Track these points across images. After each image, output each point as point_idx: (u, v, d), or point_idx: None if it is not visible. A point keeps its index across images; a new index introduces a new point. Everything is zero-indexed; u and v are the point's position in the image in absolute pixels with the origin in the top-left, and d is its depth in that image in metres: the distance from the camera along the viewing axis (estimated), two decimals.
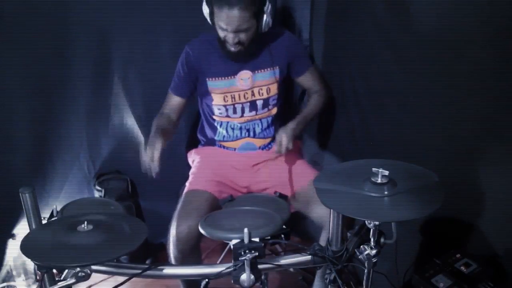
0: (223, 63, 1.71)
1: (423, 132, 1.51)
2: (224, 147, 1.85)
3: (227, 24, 1.55)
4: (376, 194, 1.04)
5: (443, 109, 1.41)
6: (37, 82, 1.83)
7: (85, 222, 1.07)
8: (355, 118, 1.92)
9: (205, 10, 1.63)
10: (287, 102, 1.99)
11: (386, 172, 1.05)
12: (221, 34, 1.61)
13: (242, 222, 1.20)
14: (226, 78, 1.72)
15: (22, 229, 1.88)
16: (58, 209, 1.34)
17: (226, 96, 1.74)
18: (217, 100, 1.76)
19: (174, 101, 1.79)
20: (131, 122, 2.11)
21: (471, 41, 1.26)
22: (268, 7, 1.60)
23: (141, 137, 2.16)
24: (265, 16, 1.60)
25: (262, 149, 1.84)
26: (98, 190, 2.09)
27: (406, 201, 1.04)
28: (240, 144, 1.83)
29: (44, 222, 1.19)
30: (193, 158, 1.89)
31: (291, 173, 1.74)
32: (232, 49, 1.62)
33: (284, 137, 1.60)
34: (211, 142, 1.89)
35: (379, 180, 1.05)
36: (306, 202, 1.63)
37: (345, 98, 1.96)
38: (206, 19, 1.66)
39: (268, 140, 1.84)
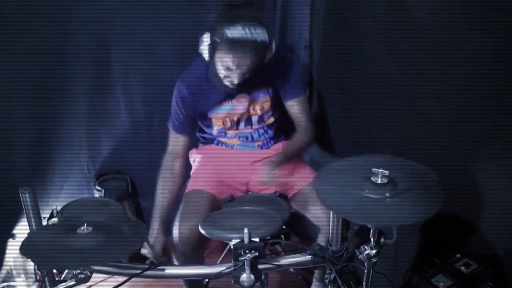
0: (220, 94, 1.67)
1: (423, 132, 1.51)
2: (222, 143, 1.85)
3: (235, 67, 1.49)
4: (376, 196, 1.04)
5: (443, 109, 1.41)
6: (37, 82, 1.83)
7: (85, 224, 1.07)
8: (355, 118, 1.92)
9: (204, 49, 1.54)
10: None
11: (387, 172, 1.04)
12: (223, 73, 1.54)
13: (242, 222, 1.20)
14: (226, 102, 1.70)
15: (22, 229, 1.88)
16: (58, 209, 1.35)
17: (226, 120, 1.74)
18: (216, 124, 1.77)
19: (180, 140, 1.75)
20: (131, 122, 2.11)
21: (471, 41, 1.26)
22: (271, 41, 1.55)
23: (141, 137, 2.16)
24: (268, 52, 1.55)
25: (261, 147, 1.84)
26: (98, 190, 2.09)
27: (407, 203, 1.03)
28: (238, 142, 1.83)
29: (44, 222, 1.19)
30: (194, 157, 1.89)
31: (290, 173, 1.74)
32: (233, 84, 1.56)
33: (268, 169, 1.60)
34: (210, 140, 1.89)
35: (379, 181, 1.05)
36: (304, 203, 1.63)
37: (345, 98, 1.96)
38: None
39: (266, 140, 1.84)
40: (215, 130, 1.80)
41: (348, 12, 1.85)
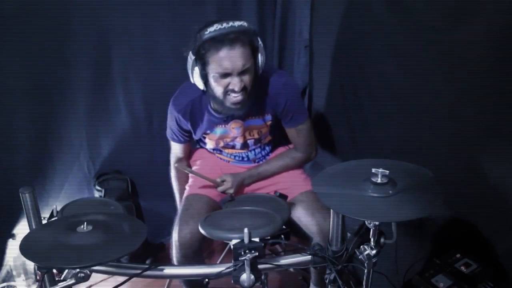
0: (215, 120, 1.64)
1: (423, 132, 1.51)
2: (218, 156, 1.85)
3: (233, 65, 1.40)
4: (377, 194, 1.04)
5: (443, 109, 1.41)
6: (37, 82, 1.83)
7: (85, 223, 1.07)
8: (355, 118, 1.92)
9: (195, 70, 1.47)
10: None
11: (387, 172, 1.05)
12: (221, 86, 1.45)
13: (242, 222, 1.19)
14: (220, 126, 1.67)
15: (22, 229, 1.88)
16: (58, 209, 1.34)
17: (219, 142, 1.72)
18: (209, 143, 1.76)
19: (180, 147, 1.81)
20: (131, 122, 2.11)
21: (471, 41, 1.26)
22: (261, 44, 1.49)
23: (141, 137, 2.16)
24: (259, 55, 1.48)
25: (257, 162, 1.83)
26: (98, 190, 2.09)
27: (407, 201, 1.04)
28: (233, 160, 1.83)
29: (44, 222, 1.19)
30: (193, 159, 1.90)
31: (286, 181, 1.73)
32: (235, 99, 1.46)
33: (229, 183, 1.67)
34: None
35: (379, 180, 1.05)
36: (295, 212, 1.63)
37: (345, 98, 1.96)
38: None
39: (262, 156, 1.83)
40: (208, 147, 1.80)
41: (349, 12, 1.85)
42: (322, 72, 2.13)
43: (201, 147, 1.89)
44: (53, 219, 1.28)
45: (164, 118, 1.77)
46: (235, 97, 1.46)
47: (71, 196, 2.02)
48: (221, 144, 1.74)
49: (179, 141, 1.78)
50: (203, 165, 1.83)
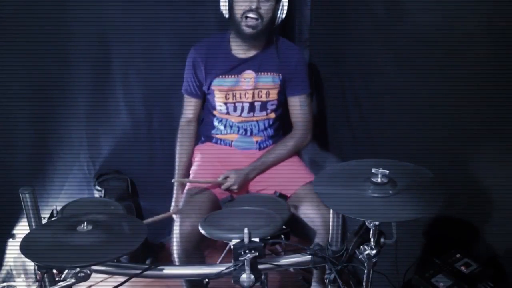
0: (229, 62, 1.73)
1: (423, 132, 1.51)
2: (220, 140, 1.86)
3: None
4: (377, 194, 1.04)
5: (443, 109, 1.41)
6: (37, 82, 1.83)
7: (85, 222, 1.07)
8: (355, 118, 1.92)
9: None
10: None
11: (387, 172, 1.05)
12: (242, 6, 1.62)
13: (242, 222, 1.20)
14: (231, 76, 1.74)
15: (22, 229, 1.88)
16: (58, 209, 1.34)
17: (228, 95, 1.76)
18: (219, 98, 1.78)
19: (193, 102, 1.86)
20: (131, 122, 2.11)
21: (471, 41, 1.26)
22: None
23: (141, 137, 2.16)
24: (281, 4, 1.66)
25: (260, 144, 1.84)
26: (98, 190, 2.09)
27: (407, 201, 1.04)
28: (237, 137, 1.83)
29: (44, 222, 1.19)
30: (194, 155, 1.90)
31: (288, 175, 1.74)
32: (250, 22, 1.62)
33: (232, 179, 1.69)
34: (209, 139, 1.90)
35: (379, 180, 1.05)
36: (299, 205, 1.64)
37: (345, 98, 1.96)
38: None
39: (265, 137, 1.85)
40: (218, 102, 1.80)
41: (349, 12, 1.85)
42: (322, 72, 2.13)
43: (204, 138, 1.89)
44: (53, 219, 1.29)
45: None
46: (250, 20, 1.62)
47: (71, 196, 2.02)
48: (230, 98, 1.77)
49: (192, 93, 1.83)
50: (205, 158, 1.84)
